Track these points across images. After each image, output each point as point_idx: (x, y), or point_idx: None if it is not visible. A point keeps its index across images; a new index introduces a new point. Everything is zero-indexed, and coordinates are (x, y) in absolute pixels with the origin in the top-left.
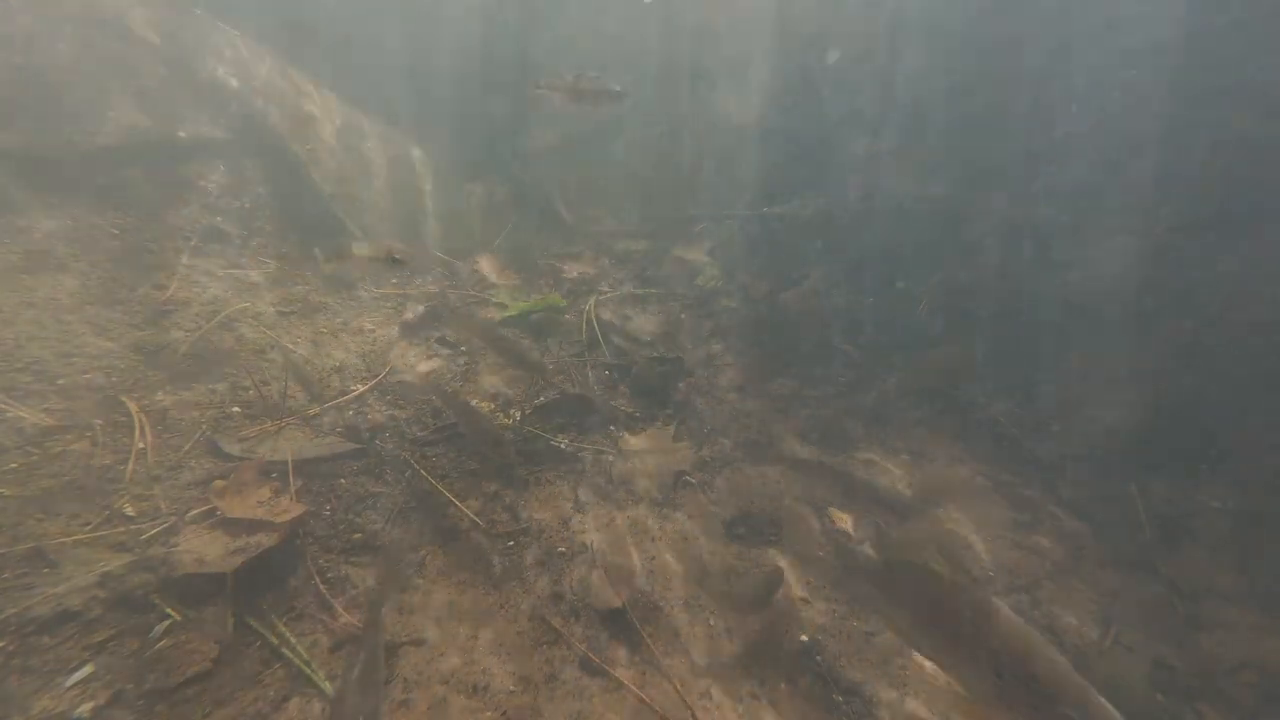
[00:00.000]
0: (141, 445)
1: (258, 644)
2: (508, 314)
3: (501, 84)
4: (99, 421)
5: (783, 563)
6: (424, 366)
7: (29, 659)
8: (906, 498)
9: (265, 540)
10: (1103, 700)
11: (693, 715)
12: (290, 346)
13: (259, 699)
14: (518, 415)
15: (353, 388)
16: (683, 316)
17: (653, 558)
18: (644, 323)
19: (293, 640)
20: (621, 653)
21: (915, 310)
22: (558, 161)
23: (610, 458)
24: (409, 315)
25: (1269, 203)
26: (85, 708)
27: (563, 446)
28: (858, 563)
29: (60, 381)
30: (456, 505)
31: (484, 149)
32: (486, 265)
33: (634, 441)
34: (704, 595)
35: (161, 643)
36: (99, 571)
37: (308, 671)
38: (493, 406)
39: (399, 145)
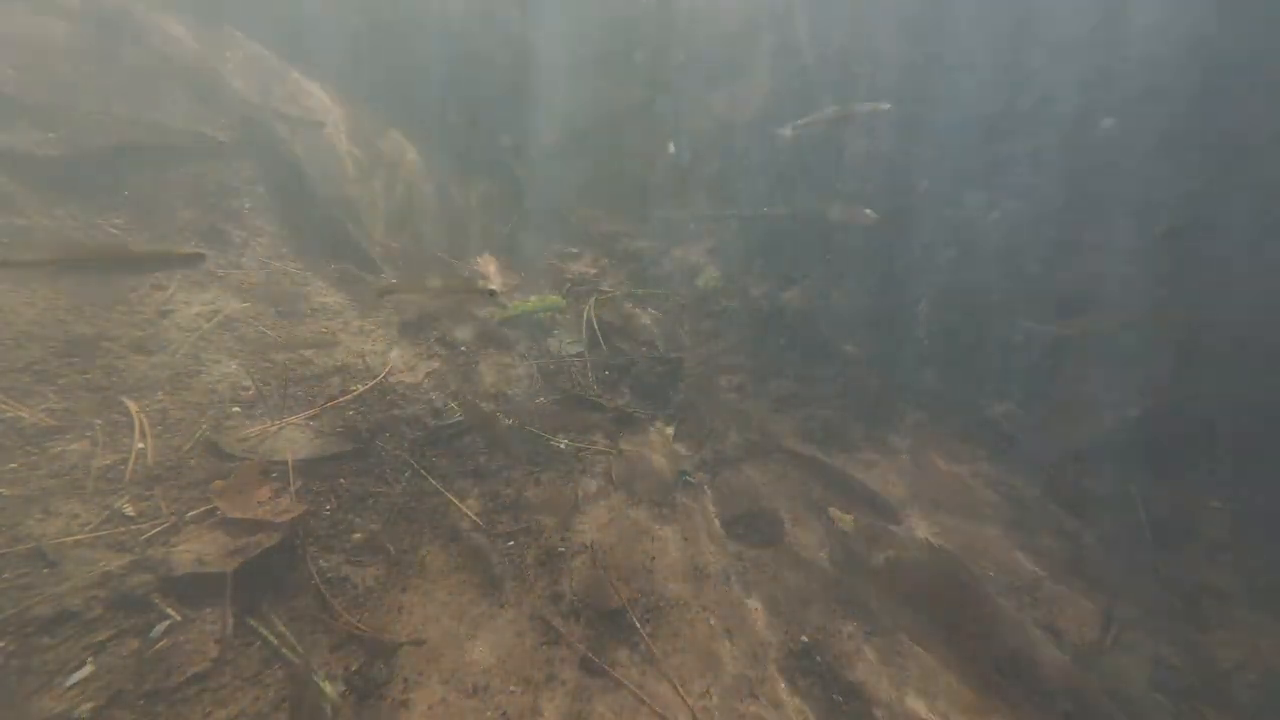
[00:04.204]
0: (141, 445)
1: (258, 644)
2: (508, 314)
3: (503, 83)
4: (99, 421)
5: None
6: (424, 366)
7: (29, 659)
8: (907, 497)
9: (265, 540)
10: (1102, 696)
11: (693, 715)
12: (290, 346)
13: (259, 699)
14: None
15: (353, 388)
16: (683, 316)
17: (653, 558)
18: (644, 323)
19: (293, 640)
20: (621, 653)
21: (915, 309)
22: (558, 161)
23: (610, 458)
24: (409, 314)
25: (1266, 201)
26: (85, 708)
27: (562, 446)
28: (858, 562)
29: (60, 381)
30: (456, 505)
31: (486, 149)
32: (486, 265)
33: (634, 441)
34: (704, 594)
35: (161, 643)
36: (99, 571)
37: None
38: (493, 407)
39: (399, 144)
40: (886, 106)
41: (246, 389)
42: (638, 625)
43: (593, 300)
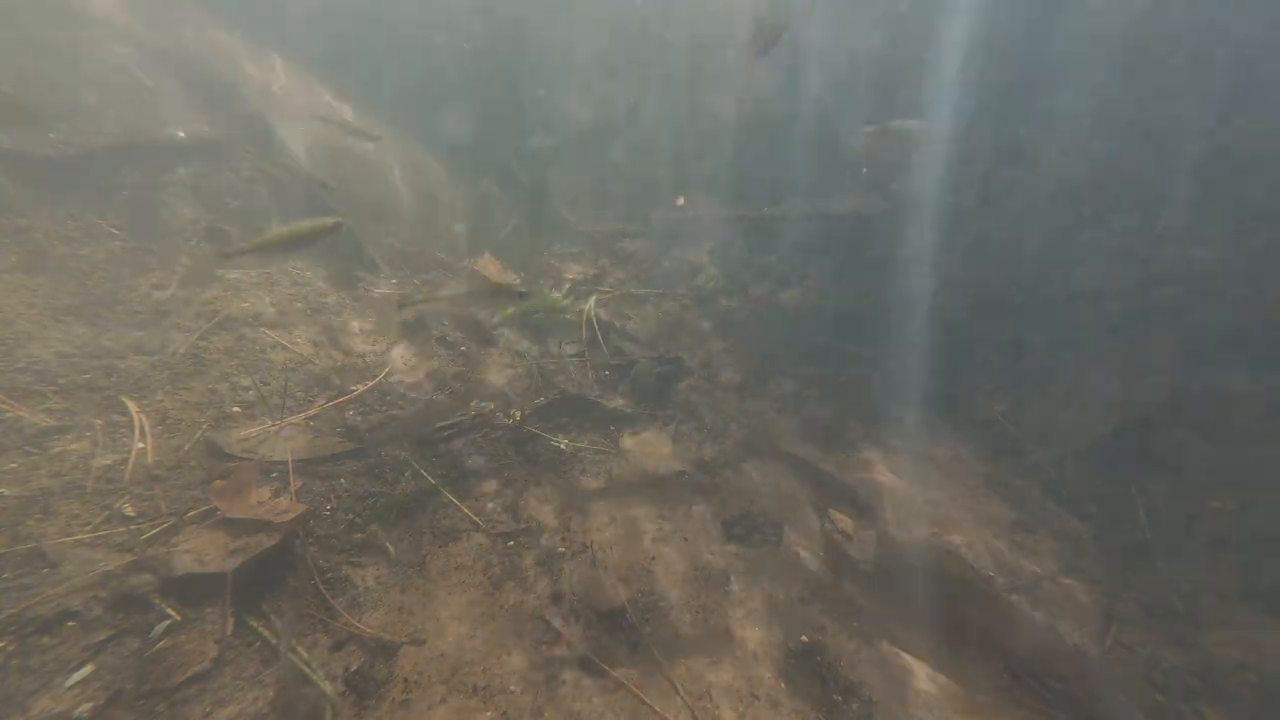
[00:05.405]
0: (141, 445)
1: (258, 644)
2: (507, 314)
3: (503, 84)
4: (99, 421)
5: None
6: (424, 366)
7: (29, 659)
8: (907, 497)
9: (265, 540)
10: (1122, 696)
11: (693, 715)
12: (289, 346)
13: (259, 699)
14: (518, 415)
15: (353, 388)
16: (683, 316)
17: (652, 558)
18: (644, 323)
19: (293, 640)
20: (621, 653)
21: (915, 309)
22: (558, 161)
23: (610, 458)
24: (409, 315)
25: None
26: (85, 708)
27: (562, 446)
28: (858, 563)
29: (60, 381)
30: (456, 505)
31: (485, 149)
32: (486, 265)
33: (634, 441)
34: (703, 594)
35: (161, 643)
36: (99, 571)
37: (307, 671)
38: (493, 406)
39: (399, 145)
40: (926, 124)
41: (246, 389)
42: (638, 625)
43: (593, 300)
